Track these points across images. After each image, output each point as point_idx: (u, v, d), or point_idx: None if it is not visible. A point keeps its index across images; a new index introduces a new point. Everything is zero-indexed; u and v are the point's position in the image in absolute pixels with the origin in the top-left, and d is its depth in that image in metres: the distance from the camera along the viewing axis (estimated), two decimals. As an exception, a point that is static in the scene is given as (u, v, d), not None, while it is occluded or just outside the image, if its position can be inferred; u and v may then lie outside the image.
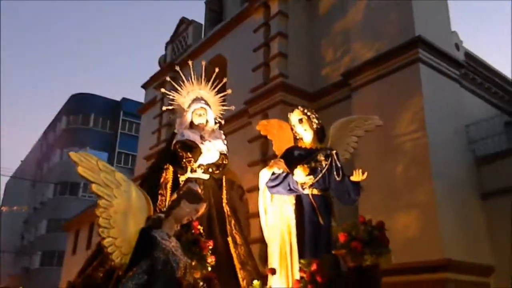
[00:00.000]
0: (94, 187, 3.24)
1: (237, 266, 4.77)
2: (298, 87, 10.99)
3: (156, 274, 3.02)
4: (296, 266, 4.24)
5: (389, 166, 8.50)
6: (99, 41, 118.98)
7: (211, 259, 3.98)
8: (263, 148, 10.69)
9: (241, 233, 5.09)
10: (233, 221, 5.05)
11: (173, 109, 5.66)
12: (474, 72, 10.58)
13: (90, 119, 36.32)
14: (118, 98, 38.12)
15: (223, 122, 5.60)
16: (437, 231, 7.70)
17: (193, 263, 3.69)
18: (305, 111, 4.88)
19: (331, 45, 11.27)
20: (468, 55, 10.86)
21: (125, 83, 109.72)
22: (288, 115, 4.95)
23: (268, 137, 5.42)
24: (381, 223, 3.84)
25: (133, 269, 3.03)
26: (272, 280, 4.22)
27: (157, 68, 17.74)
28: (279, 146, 5.12)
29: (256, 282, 4.25)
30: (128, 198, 3.40)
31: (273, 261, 4.43)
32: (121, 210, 3.31)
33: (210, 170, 5.00)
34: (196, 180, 4.75)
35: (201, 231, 4.21)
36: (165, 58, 17.72)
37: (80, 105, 36.29)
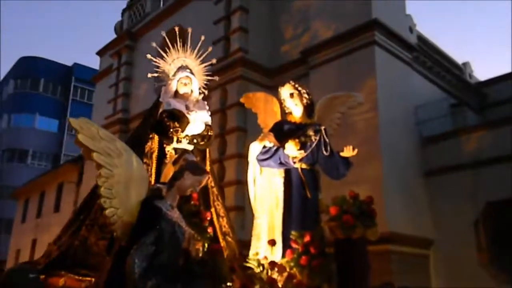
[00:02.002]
0: (95, 155, 3.14)
1: (220, 237, 4.83)
2: (257, 63, 11.09)
3: (164, 245, 3.02)
4: (279, 237, 4.40)
5: (342, 143, 8.72)
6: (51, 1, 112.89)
7: (210, 230, 4.07)
8: (221, 122, 10.81)
9: (223, 205, 5.13)
10: (215, 192, 5.07)
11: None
12: (425, 55, 11.05)
13: (39, 84, 34.85)
14: (70, 64, 36.83)
15: (206, 92, 5.40)
16: (382, 206, 8.15)
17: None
18: (296, 85, 4.90)
19: (291, 22, 11.41)
20: (421, 38, 11.32)
21: (77, 49, 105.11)
22: (279, 89, 5.00)
23: (253, 110, 5.42)
24: (369, 198, 4.11)
25: (140, 240, 2.97)
26: (271, 251, 4.33)
27: (112, 34, 17.33)
28: (264, 119, 5.18)
29: (253, 254, 4.38)
30: (129, 168, 3.33)
31: (262, 232, 4.55)
32: (123, 180, 3.25)
33: (195, 141, 4.89)
34: (186, 150, 4.74)
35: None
36: (122, 25, 17.30)
37: (29, 69, 34.70)
